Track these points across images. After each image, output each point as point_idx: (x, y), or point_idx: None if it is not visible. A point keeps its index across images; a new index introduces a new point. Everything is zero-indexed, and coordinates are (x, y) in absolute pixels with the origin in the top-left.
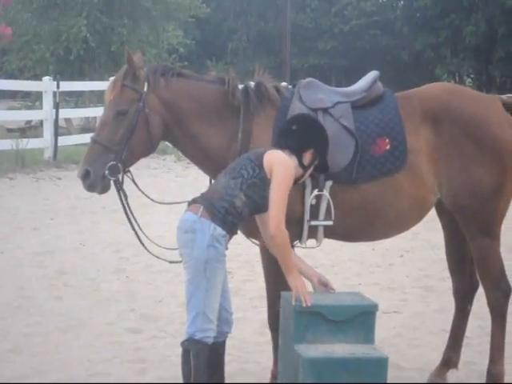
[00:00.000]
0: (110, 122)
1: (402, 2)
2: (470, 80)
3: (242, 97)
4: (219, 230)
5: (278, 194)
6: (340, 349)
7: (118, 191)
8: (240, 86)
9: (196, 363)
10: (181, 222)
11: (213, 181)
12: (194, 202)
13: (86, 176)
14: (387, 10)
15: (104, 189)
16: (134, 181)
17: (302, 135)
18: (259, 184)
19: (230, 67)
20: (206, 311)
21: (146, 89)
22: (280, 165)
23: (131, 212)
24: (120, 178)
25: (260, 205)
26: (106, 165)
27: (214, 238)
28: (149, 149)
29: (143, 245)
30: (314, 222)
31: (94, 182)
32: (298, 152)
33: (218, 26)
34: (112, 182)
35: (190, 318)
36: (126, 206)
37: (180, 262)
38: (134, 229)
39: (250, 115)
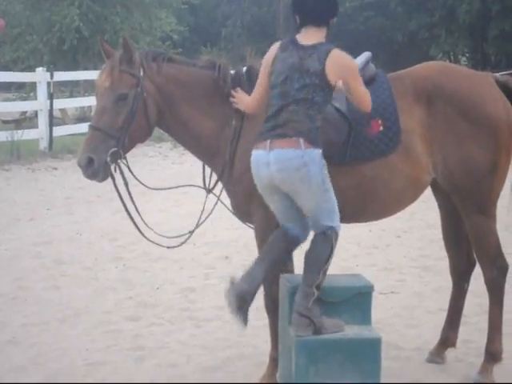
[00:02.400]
0: (110, 108)
1: None
2: (464, 59)
3: (233, 82)
4: (321, 151)
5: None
6: None
7: (113, 178)
8: (232, 72)
9: (330, 251)
10: (284, 161)
11: (206, 167)
12: (279, 136)
13: (88, 164)
14: None
15: (105, 176)
16: (129, 167)
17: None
18: (326, 101)
19: (224, 53)
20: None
21: (142, 73)
22: (354, 70)
23: (131, 198)
24: (119, 164)
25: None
26: (108, 151)
27: (322, 160)
28: (147, 134)
29: (140, 231)
30: None
31: (97, 169)
32: (327, 21)
33: (212, 12)
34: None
35: (329, 217)
36: (122, 192)
37: (177, 246)
38: (130, 215)
39: None
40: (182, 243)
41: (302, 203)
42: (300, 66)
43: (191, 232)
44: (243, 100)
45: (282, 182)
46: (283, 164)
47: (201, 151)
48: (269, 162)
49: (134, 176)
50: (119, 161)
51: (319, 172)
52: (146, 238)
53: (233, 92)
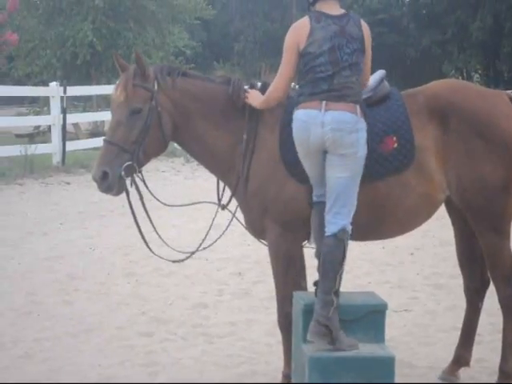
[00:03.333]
0: (124, 123)
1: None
2: (477, 76)
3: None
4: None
5: None
6: None
7: (127, 192)
8: (246, 87)
9: (344, 252)
10: (340, 122)
11: (220, 182)
12: (336, 98)
13: (103, 178)
14: (393, 7)
15: (120, 190)
16: (144, 181)
17: None
18: None
19: (236, 68)
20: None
21: (156, 87)
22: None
23: (147, 213)
24: (135, 177)
25: None
26: (123, 165)
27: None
28: (161, 148)
29: (147, 245)
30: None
31: (112, 183)
32: None
33: (224, 28)
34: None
35: (343, 211)
36: (135, 206)
37: (182, 260)
38: (139, 229)
39: (255, 115)
40: (187, 257)
41: (333, 174)
42: (344, 33)
43: (196, 249)
44: (256, 97)
45: (333, 142)
46: (339, 125)
47: (215, 166)
48: (323, 121)
49: (150, 191)
50: (135, 175)
51: (364, 144)
52: (152, 252)
53: (247, 91)
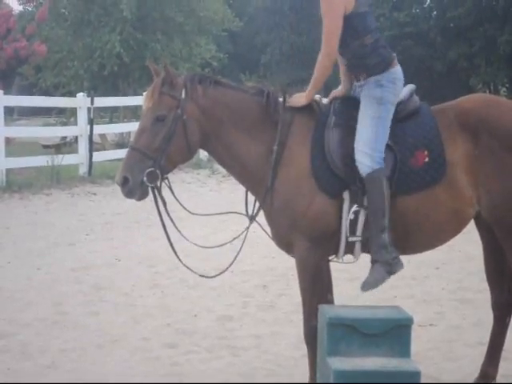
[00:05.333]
0: (148, 129)
1: (435, 13)
2: (504, 89)
3: (282, 110)
4: None
5: None
6: (372, 362)
7: (155, 198)
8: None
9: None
10: None
11: (249, 193)
12: None
13: (124, 183)
14: (420, 20)
15: (142, 195)
16: (170, 188)
17: None
18: None
19: (263, 80)
20: None
21: (183, 96)
22: None
23: (171, 220)
24: (158, 184)
25: None
26: (145, 171)
27: None
28: (187, 156)
29: (176, 255)
30: (351, 238)
31: (133, 188)
32: None
33: (251, 40)
34: (150, 190)
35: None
36: (163, 212)
37: (210, 277)
38: (169, 239)
39: (286, 127)
40: (217, 275)
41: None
42: None
43: (229, 265)
44: (300, 96)
45: None
46: None
47: (245, 177)
48: None
49: (176, 198)
50: (163, 181)
51: None
52: (181, 262)
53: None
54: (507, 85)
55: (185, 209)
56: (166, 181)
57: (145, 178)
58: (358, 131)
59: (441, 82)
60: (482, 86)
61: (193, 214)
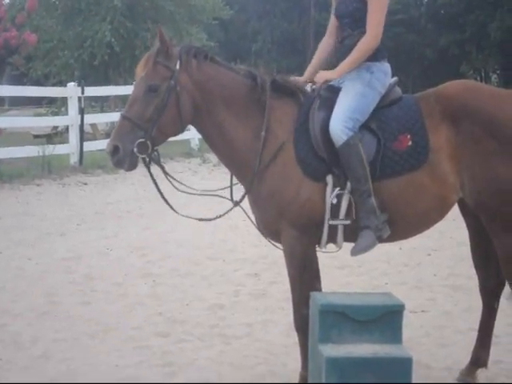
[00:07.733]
0: (140, 99)
1: (426, 0)
2: (495, 76)
3: (270, 91)
4: None
5: None
6: (364, 349)
7: (148, 167)
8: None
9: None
10: None
11: (234, 177)
12: None
13: (114, 152)
14: (411, 7)
15: (131, 166)
16: (159, 163)
17: None
18: None
19: (254, 68)
20: None
21: (178, 67)
22: None
23: (168, 176)
24: (148, 155)
25: None
26: (135, 141)
27: None
28: (178, 129)
29: (168, 204)
30: (333, 222)
31: (123, 157)
32: None
33: (242, 28)
34: (141, 160)
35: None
36: (156, 181)
37: (209, 220)
38: (159, 190)
39: (274, 112)
40: (216, 218)
41: None
42: None
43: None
44: (327, 72)
45: None
46: None
47: (231, 159)
48: None
49: (164, 171)
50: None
51: None
52: (174, 210)
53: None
54: (498, 71)
55: (173, 185)
56: (156, 153)
57: (135, 149)
58: (338, 102)
59: (432, 68)
60: (473, 73)
61: (179, 190)
